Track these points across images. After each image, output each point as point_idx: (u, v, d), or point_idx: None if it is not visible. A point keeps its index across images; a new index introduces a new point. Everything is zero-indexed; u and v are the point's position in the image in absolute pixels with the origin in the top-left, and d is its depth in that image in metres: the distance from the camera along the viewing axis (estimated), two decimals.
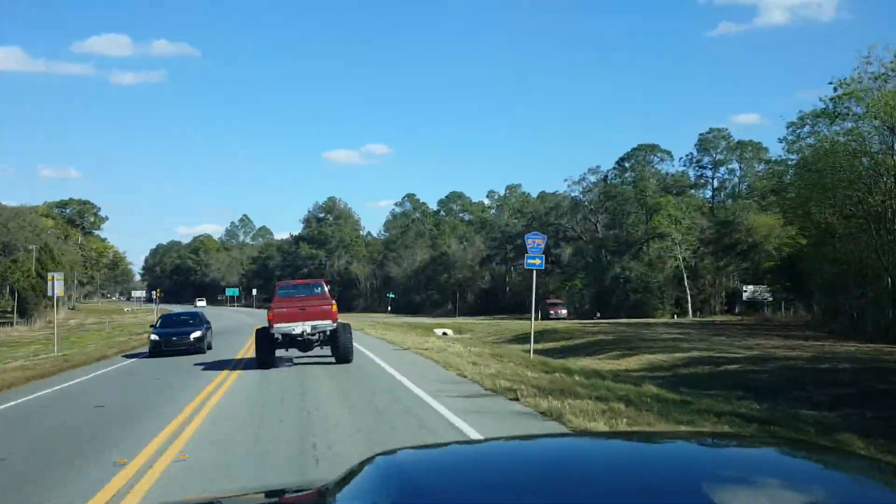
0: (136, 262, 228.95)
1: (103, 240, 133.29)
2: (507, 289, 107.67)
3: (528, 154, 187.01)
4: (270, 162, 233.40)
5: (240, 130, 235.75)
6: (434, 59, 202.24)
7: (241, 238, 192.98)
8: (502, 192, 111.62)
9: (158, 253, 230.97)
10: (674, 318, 71.48)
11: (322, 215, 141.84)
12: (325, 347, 21.41)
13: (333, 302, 20.92)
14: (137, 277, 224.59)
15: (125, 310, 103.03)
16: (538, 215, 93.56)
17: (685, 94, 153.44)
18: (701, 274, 72.10)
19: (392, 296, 78.22)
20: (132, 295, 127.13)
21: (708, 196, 77.79)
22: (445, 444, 2.64)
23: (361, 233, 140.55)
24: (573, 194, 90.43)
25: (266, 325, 20.33)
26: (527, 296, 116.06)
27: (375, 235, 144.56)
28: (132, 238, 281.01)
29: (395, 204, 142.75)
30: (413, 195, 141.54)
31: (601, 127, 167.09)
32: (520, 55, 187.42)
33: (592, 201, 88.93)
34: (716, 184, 77.48)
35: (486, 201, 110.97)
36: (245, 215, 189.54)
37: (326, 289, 22.55)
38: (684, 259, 70.80)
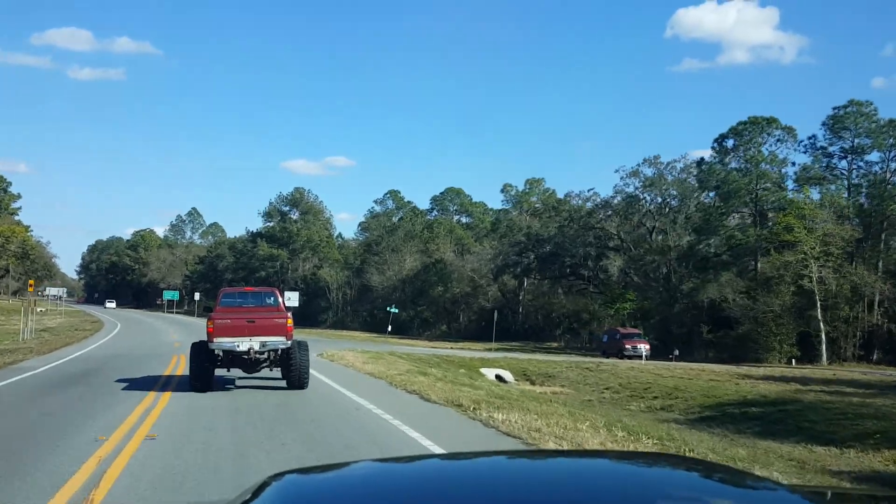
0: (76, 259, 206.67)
1: (17, 222, 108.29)
2: (521, 308, 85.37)
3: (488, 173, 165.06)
4: (227, 167, 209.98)
5: (197, 134, 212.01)
6: (401, 72, 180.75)
7: (189, 235, 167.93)
8: (521, 188, 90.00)
9: (97, 249, 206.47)
10: (791, 362, 50.10)
11: (286, 209, 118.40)
12: (274, 369, 17.43)
13: (289, 315, 16.90)
14: (74, 276, 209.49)
15: (38, 310, 79.85)
16: (577, 216, 71.61)
17: (647, 125, 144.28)
18: (835, 303, 50.40)
19: (394, 310, 55.84)
20: (48, 292, 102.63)
21: (841, 191, 56.16)
22: (346, 464, 2.45)
23: (333, 233, 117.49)
24: (628, 189, 68.65)
25: (205, 338, 16.29)
26: (543, 318, 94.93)
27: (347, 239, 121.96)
28: (77, 236, 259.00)
29: (375, 202, 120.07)
30: (396, 192, 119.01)
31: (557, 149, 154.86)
32: (486, 71, 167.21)
33: (659, 199, 67.34)
34: (854, 177, 55.63)
35: (501, 198, 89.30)
36: (194, 208, 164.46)
37: (281, 300, 18.49)
38: (820, 279, 49.03)
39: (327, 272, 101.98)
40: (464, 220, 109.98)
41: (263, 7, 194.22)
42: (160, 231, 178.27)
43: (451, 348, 61.99)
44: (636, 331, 53.49)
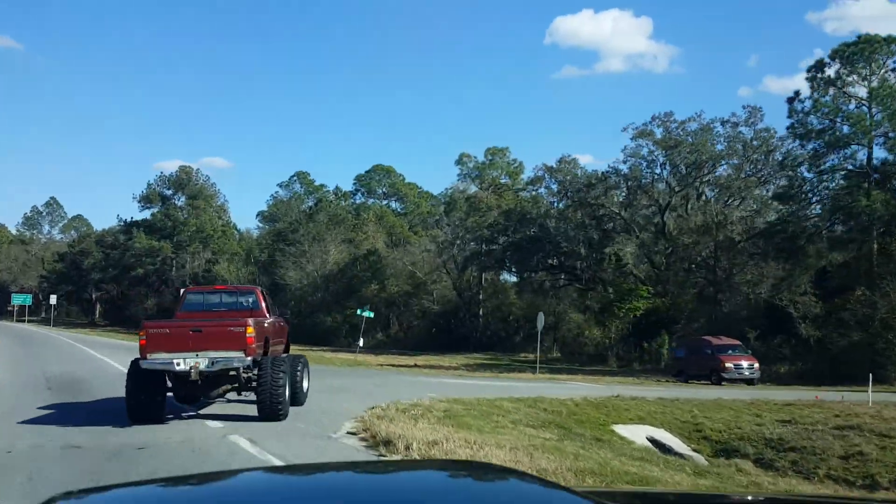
0: None
1: None
2: (481, 311, 67.99)
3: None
4: (94, 165, 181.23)
5: (62, 130, 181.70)
6: (283, 68, 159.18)
7: (47, 230, 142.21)
8: (481, 159, 72.56)
9: None
10: None
11: (170, 192, 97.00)
12: (246, 394, 13.95)
13: (250, 323, 12.96)
14: None
15: None
16: (574, 188, 54.79)
17: (535, 132, 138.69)
18: None
19: (368, 313, 37.57)
20: None
21: None
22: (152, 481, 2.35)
23: (231, 221, 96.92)
24: (642, 152, 52.44)
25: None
26: (509, 325, 77.28)
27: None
28: None
29: (280, 185, 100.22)
30: (305, 174, 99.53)
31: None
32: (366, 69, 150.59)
33: (683, 166, 51.35)
34: None
35: (457, 172, 71.41)
36: (53, 198, 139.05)
37: (264, 303, 15.06)
38: None
39: (225, 268, 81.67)
40: (395, 205, 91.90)
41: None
42: (10, 226, 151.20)
43: (416, 365, 44.57)
44: (734, 341, 36.90)
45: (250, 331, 12.80)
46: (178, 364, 12.60)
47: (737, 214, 48.76)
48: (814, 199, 40.60)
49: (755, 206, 51.05)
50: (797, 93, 40.95)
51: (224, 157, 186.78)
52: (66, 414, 14.40)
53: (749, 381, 33.64)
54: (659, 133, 53.27)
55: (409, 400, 16.91)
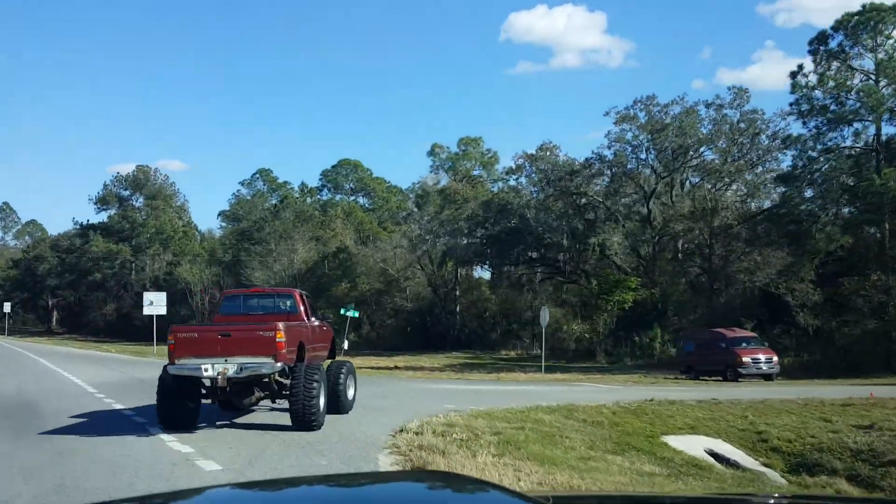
0: None
1: None
2: (458, 308, 65.08)
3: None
4: (47, 169, 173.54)
5: (12, 134, 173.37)
6: (237, 67, 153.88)
7: (0, 236, 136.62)
8: (454, 150, 69.41)
9: None
10: None
11: (127, 193, 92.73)
12: (281, 401, 13.45)
13: (280, 327, 12.19)
14: None
15: None
16: (556, 177, 51.94)
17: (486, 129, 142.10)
18: None
19: (353, 313, 33.97)
20: None
21: None
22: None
23: (192, 222, 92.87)
24: (628, 135, 49.86)
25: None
26: (485, 322, 74.00)
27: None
28: None
29: (242, 184, 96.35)
30: (267, 171, 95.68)
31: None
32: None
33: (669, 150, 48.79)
34: None
35: (429, 163, 68.17)
36: (5, 203, 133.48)
37: (302, 307, 14.34)
38: None
39: (188, 270, 77.74)
40: (363, 201, 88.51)
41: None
42: None
43: (396, 367, 41.55)
44: (749, 333, 34.24)
45: (280, 335, 12.12)
46: (206, 370, 12.13)
47: (731, 199, 46.31)
48: (820, 179, 37.94)
49: (746, 190, 48.68)
50: (800, 66, 38.38)
51: (181, 160, 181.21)
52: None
53: (767, 377, 31.00)
54: (642, 117, 50.72)
55: (435, 416, 14.08)
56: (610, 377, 33.77)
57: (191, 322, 50.75)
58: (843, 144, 38.45)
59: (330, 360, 15.35)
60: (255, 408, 14.75)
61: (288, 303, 14.64)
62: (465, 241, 57.56)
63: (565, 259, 53.50)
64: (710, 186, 51.12)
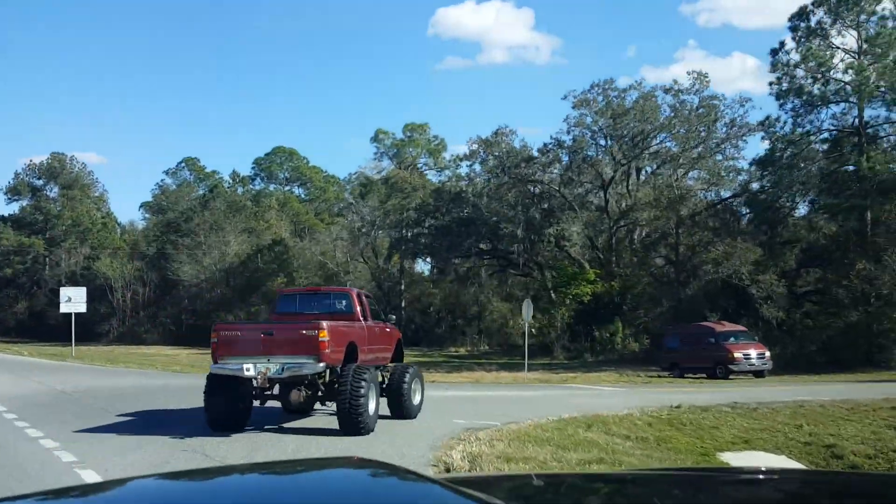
0: None
1: None
2: (403, 303, 62.02)
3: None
4: None
5: None
6: (155, 51, 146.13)
7: None
8: (399, 136, 65.91)
9: None
10: None
11: (40, 182, 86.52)
12: (331, 404, 12.85)
13: (324, 326, 11.79)
14: None
15: None
16: (513, 163, 49.17)
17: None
18: None
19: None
20: None
21: None
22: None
23: (111, 213, 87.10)
24: (586, 120, 47.61)
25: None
26: (429, 317, 70.58)
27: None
28: None
29: (167, 173, 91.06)
30: (194, 159, 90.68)
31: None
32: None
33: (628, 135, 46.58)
34: None
35: (373, 150, 64.50)
36: None
37: (359, 307, 14.05)
38: None
39: (108, 264, 72.51)
40: (299, 191, 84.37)
41: None
42: None
43: None
44: (738, 327, 32.00)
45: (324, 335, 11.76)
46: (248, 369, 11.91)
47: (696, 187, 44.40)
48: (801, 162, 35.96)
49: (709, 178, 46.87)
50: (782, 43, 36.31)
51: (97, 152, 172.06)
52: None
53: (759, 374, 28.88)
54: (601, 102, 48.49)
55: (451, 436, 11.12)
56: (596, 376, 31.23)
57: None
58: (823, 127, 36.61)
59: (395, 364, 14.93)
60: (315, 411, 14.28)
61: (343, 302, 14.23)
62: (412, 232, 54.35)
63: (519, 251, 50.83)
64: (670, 174, 49.28)
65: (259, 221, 72.17)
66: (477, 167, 51.07)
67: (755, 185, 40.92)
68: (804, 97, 35.53)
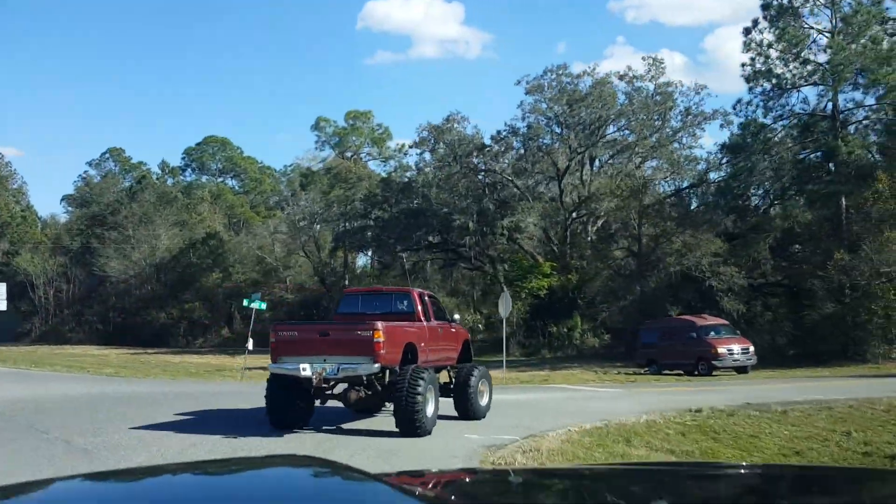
0: None
1: None
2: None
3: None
4: None
5: None
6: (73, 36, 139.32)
7: None
8: (342, 124, 62.88)
9: None
10: None
11: None
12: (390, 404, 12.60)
13: (379, 327, 11.89)
14: None
15: None
16: (465, 152, 46.90)
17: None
18: None
19: (258, 304, 27.49)
20: None
21: None
22: None
23: (31, 206, 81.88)
24: (541, 106, 45.79)
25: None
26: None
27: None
28: None
29: (91, 164, 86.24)
30: (119, 150, 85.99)
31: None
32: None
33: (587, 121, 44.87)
34: None
35: (313, 140, 61.48)
36: None
37: (420, 306, 13.89)
38: None
39: (28, 260, 67.96)
40: (232, 182, 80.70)
41: None
42: None
43: None
44: (720, 320, 30.41)
45: (378, 336, 11.86)
46: (304, 369, 11.94)
47: (657, 176, 42.91)
48: (773, 149, 34.49)
49: (667, 166, 45.48)
50: (755, 22, 34.57)
51: (15, 147, 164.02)
52: None
53: (742, 369, 27.29)
54: (555, 88, 46.68)
55: (470, 454, 9.00)
56: (570, 374, 29.26)
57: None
58: (795, 111, 35.21)
59: (462, 364, 14.71)
60: (383, 411, 13.94)
61: (405, 302, 14.13)
62: (357, 225, 51.65)
63: (470, 243, 48.67)
64: (626, 163, 47.77)
65: (191, 214, 68.60)
66: (427, 156, 48.67)
67: (722, 173, 39.45)
68: (774, 80, 34.08)
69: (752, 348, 27.97)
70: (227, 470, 2.49)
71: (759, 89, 34.80)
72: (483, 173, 47.93)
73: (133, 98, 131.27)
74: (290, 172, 72.74)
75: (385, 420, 12.95)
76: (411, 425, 11.83)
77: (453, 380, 14.30)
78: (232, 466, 2.69)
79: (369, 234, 50.04)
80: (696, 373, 27.47)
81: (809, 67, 33.67)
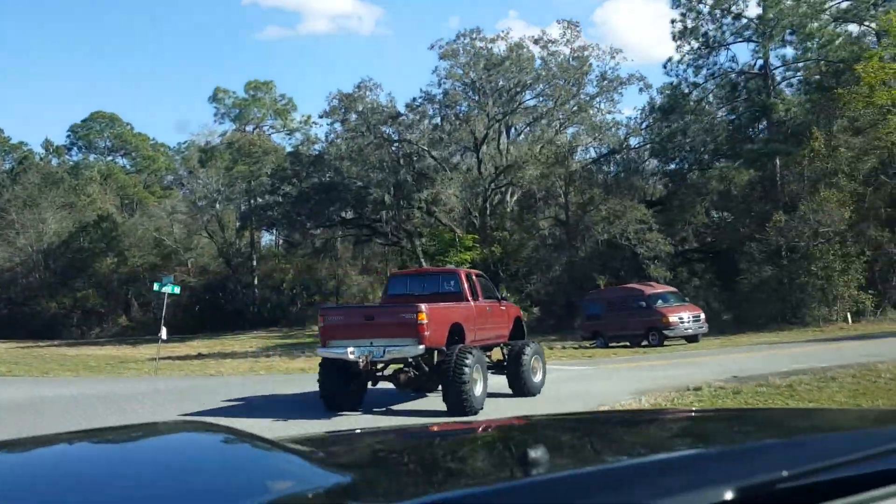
0: None
1: None
2: (256, 280, 56.42)
3: None
4: None
5: None
6: None
7: None
8: (242, 94, 59.16)
9: None
10: (848, 320, 30.20)
11: None
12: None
13: (422, 309, 11.91)
14: None
15: None
16: (378, 121, 44.51)
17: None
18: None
19: (173, 289, 24.53)
20: None
21: None
22: None
23: None
24: (458, 70, 43.95)
25: None
26: (283, 295, 64.22)
27: None
28: None
29: None
30: None
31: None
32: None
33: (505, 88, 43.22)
34: None
35: (213, 109, 57.56)
36: None
37: (467, 286, 13.94)
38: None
39: None
40: (123, 161, 75.71)
41: None
42: None
43: (200, 354, 33.34)
44: (668, 288, 29.21)
45: (422, 317, 11.91)
46: (351, 352, 12.14)
47: (582, 142, 41.59)
48: (705, 109, 33.51)
49: (590, 132, 44.28)
50: None
51: None
52: None
53: (692, 338, 26.20)
54: (471, 53, 44.78)
55: None
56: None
57: None
58: (725, 69, 34.23)
59: (514, 341, 14.79)
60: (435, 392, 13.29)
61: (451, 283, 14.24)
62: (264, 201, 48.70)
63: (386, 218, 46.50)
64: (544, 130, 46.38)
65: (80, 196, 63.97)
66: (338, 126, 46.00)
67: (641, 139, 38.30)
68: (701, 39, 33.07)
69: (702, 315, 26.97)
70: (112, 438, 2.26)
71: (686, 48, 33.73)
72: (398, 144, 45.70)
73: (10, 71, 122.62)
74: (185, 149, 68.74)
75: (435, 401, 12.81)
76: (459, 405, 11.81)
77: (506, 357, 14.31)
78: (122, 434, 2.39)
79: (278, 211, 47.15)
80: (644, 343, 26.30)
81: (743, 22, 32.76)
